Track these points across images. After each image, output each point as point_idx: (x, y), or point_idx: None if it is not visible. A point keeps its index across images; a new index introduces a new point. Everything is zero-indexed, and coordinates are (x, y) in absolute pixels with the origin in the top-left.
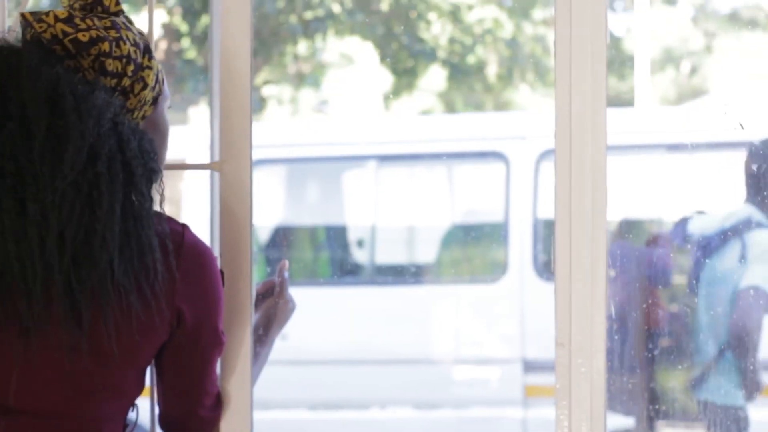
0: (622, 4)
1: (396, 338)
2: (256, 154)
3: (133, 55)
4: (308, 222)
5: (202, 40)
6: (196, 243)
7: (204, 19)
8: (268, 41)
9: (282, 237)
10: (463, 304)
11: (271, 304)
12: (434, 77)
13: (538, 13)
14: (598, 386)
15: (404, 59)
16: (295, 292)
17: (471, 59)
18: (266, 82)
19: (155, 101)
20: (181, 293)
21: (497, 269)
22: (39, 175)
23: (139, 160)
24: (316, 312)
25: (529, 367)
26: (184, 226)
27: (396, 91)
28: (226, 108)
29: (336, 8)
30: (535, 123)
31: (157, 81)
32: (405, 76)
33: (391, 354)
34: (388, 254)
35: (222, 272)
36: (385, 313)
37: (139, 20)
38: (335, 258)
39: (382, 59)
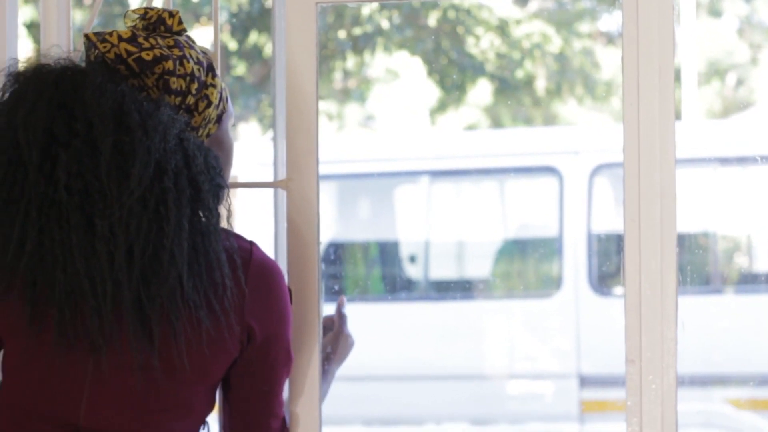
0: None
1: (450, 354)
2: None
3: (196, 73)
4: (360, 238)
5: (251, 56)
6: (265, 259)
7: (253, 36)
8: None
9: (334, 253)
10: (516, 319)
11: (330, 340)
12: (481, 92)
13: (585, 27)
14: (670, 403)
15: (452, 74)
16: (348, 308)
17: (519, 73)
18: None
19: (219, 119)
20: (250, 309)
21: (551, 284)
22: (106, 191)
23: (206, 176)
24: (369, 328)
25: (586, 382)
26: (252, 243)
27: (442, 106)
28: (293, 126)
29: (385, 24)
30: (588, 138)
31: (221, 99)
32: (453, 90)
33: (446, 369)
34: (441, 269)
35: (290, 290)
36: (438, 328)
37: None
38: (388, 274)
39: (430, 74)
